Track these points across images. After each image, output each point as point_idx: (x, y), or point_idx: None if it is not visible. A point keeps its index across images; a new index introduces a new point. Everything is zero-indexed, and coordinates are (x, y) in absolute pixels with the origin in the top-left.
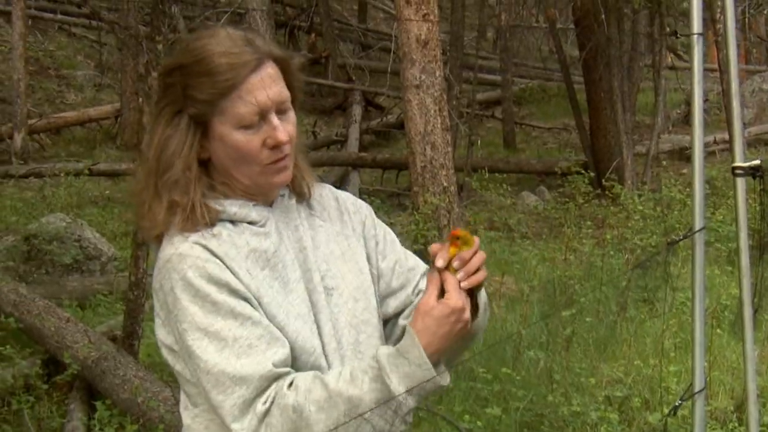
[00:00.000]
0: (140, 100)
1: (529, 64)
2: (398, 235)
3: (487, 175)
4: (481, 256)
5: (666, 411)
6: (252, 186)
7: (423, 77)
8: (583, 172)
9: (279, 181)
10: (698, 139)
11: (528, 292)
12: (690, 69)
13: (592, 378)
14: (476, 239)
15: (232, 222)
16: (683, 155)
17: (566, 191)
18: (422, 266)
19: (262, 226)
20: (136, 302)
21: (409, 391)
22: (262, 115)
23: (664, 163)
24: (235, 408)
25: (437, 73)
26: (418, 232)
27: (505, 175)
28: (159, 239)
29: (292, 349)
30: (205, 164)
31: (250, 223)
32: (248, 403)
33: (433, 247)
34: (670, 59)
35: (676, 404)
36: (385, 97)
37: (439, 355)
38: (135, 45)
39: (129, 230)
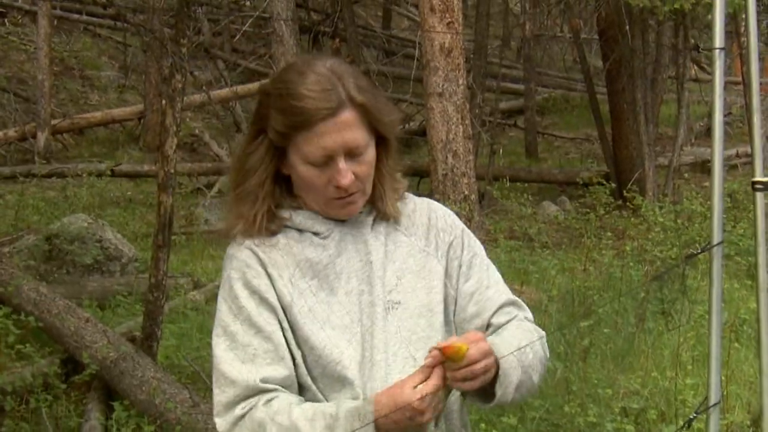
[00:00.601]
0: (163, 102)
1: (552, 74)
2: None
3: (508, 184)
4: (473, 369)
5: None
6: (327, 213)
7: (446, 85)
8: (604, 182)
9: (344, 214)
10: (718, 152)
11: (547, 302)
12: (712, 82)
13: (608, 389)
14: (471, 353)
15: (299, 230)
16: (705, 168)
17: (587, 202)
18: (501, 299)
19: (325, 237)
20: (155, 304)
21: None
22: (330, 158)
23: (686, 175)
24: (221, 404)
25: (460, 81)
26: None
27: (526, 185)
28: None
29: (319, 357)
30: (289, 178)
31: (314, 233)
32: (231, 405)
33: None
34: (693, 71)
35: (691, 417)
36: (408, 104)
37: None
38: (159, 48)
39: (150, 232)
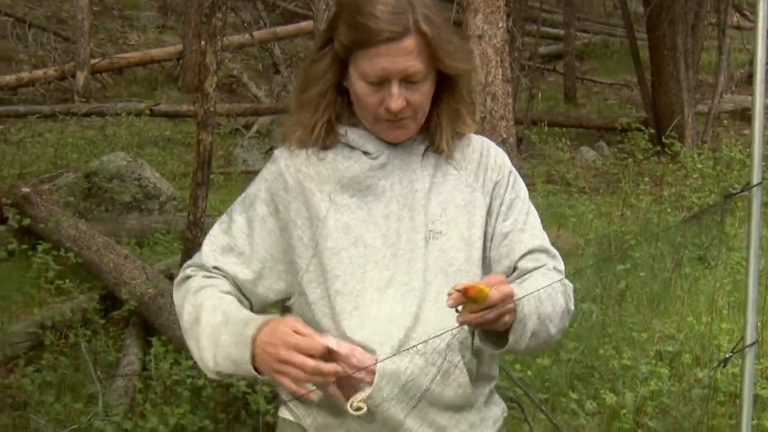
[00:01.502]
0: (202, 42)
1: (592, 19)
2: None
3: (546, 128)
4: (490, 316)
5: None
6: (375, 132)
7: (485, 27)
8: (643, 128)
9: (391, 137)
10: (759, 95)
11: (583, 246)
12: (754, 30)
13: (643, 333)
14: (492, 295)
15: (351, 147)
16: (745, 116)
17: (625, 147)
18: (533, 244)
19: (374, 158)
20: (193, 241)
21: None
22: (385, 79)
23: (725, 122)
24: (187, 263)
25: (500, 24)
26: None
27: (564, 130)
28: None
29: (344, 271)
30: (347, 91)
31: (365, 152)
32: (188, 267)
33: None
34: (735, 18)
35: (727, 356)
36: None
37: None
38: None
39: (188, 171)
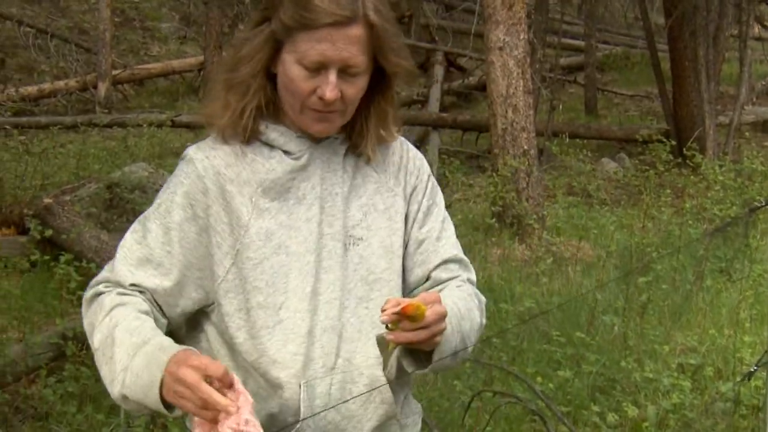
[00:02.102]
0: (223, 54)
1: (613, 31)
2: (476, 197)
3: (567, 140)
4: (423, 335)
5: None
6: (294, 120)
7: (507, 39)
8: (664, 140)
9: (315, 130)
10: None
11: (605, 258)
12: None
13: (665, 345)
14: (429, 314)
15: (270, 146)
16: (766, 127)
17: (646, 159)
18: (448, 254)
19: (297, 159)
20: None
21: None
22: (323, 66)
23: (747, 134)
24: (95, 278)
25: (521, 36)
26: (496, 195)
27: (585, 141)
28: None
29: (266, 284)
30: (274, 79)
31: (285, 151)
32: (99, 282)
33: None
34: (757, 30)
35: (751, 370)
36: (467, 58)
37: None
38: None
39: None
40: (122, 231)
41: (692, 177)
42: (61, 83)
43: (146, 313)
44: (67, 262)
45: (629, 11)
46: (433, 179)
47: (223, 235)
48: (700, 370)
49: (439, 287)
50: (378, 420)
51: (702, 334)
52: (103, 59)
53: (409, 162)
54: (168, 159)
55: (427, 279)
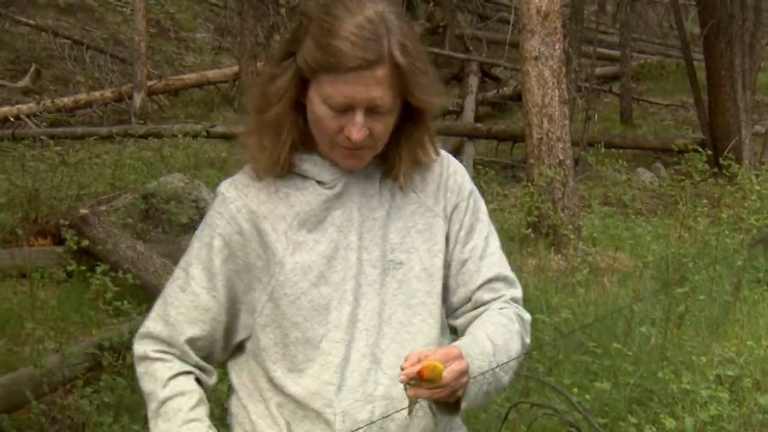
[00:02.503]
0: (259, 64)
1: (648, 40)
2: (511, 207)
3: (602, 150)
4: (444, 393)
5: None
6: (329, 157)
7: (542, 49)
8: (700, 150)
9: (346, 165)
10: None
11: (641, 268)
12: None
13: (703, 356)
14: (446, 376)
15: (303, 177)
16: None
17: (682, 169)
18: (491, 273)
19: (329, 188)
20: None
21: None
22: (349, 107)
23: None
24: (146, 330)
25: (557, 46)
26: (532, 205)
27: (620, 151)
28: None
29: (305, 319)
30: (305, 109)
31: (318, 182)
32: (152, 340)
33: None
34: None
35: None
36: (502, 68)
37: None
38: (260, 8)
39: None
40: (158, 242)
41: (728, 187)
42: (96, 94)
43: (199, 403)
44: (104, 272)
45: (664, 20)
46: (475, 194)
47: (263, 271)
48: (738, 382)
49: (481, 309)
50: None
51: (740, 345)
52: (139, 70)
53: (449, 179)
54: (203, 169)
55: (469, 300)
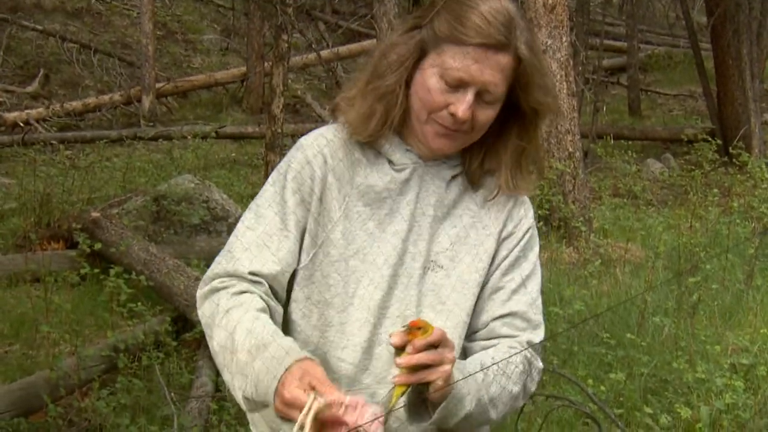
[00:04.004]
0: (267, 64)
1: (655, 31)
2: None
3: (612, 141)
4: (432, 355)
5: None
6: (418, 132)
7: (549, 42)
8: (709, 139)
9: (435, 144)
10: None
11: (653, 259)
12: None
13: (717, 345)
14: (437, 332)
15: (377, 152)
16: None
17: (692, 159)
18: (516, 308)
19: (399, 171)
20: None
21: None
22: (462, 84)
23: None
24: (212, 271)
25: (563, 39)
26: (543, 198)
27: (630, 142)
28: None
29: (338, 282)
30: (408, 86)
31: (389, 161)
32: (216, 277)
33: (393, 333)
34: None
35: None
36: None
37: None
38: (267, 8)
39: (254, 192)
40: (170, 243)
41: (739, 176)
42: (105, 97)
43: (263, 310)
44: (117, 275)
45: (671, 11)
46: (533, 234)
47: (317, 224)
48: (753, 370)
49: (494, 342)
50: None
51: (754, 333)
52: (147, 73)
53: (514, 208)
54: (213, 170)
55: (486, 326)
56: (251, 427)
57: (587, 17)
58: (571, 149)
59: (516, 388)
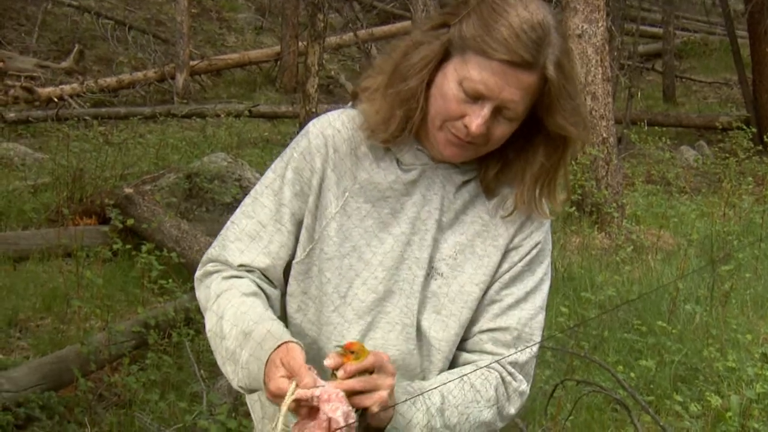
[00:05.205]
0: (302, 44)
1: (691, 17)
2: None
3: (646, 128)
4: (362, 382)
5: None
6: (429, 132)
7: (585, 27)
8: (744, 127)
9: (446, 153)
10: None
11: (686, 247)
12: None
13: (748, 334)
14: (370, 358)
15: (386, 149)
16: None
17: (726, 147)
18: (507, 324)
19: (406, 171)
20: None
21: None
22: (481, 97)
23: None
24: (207, 255)
25: (600, 24)
26: (575, 183)
27: (664, 129)
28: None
29: (332, 279)
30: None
31: (398, 159)
32: (210, 261)
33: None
34: None
35: None
36: None
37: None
38: None
39: None
40: (202, 221)
41: None
42: (139, 74)
43: (253, 294)
44: (149, 251)
45: None
46: (543, 249)
47: (312, 217)
48: None
49: (474, 357)
50: None
51: None
52: (181, 50)
53: (527, 220)
54: (246, 149)
55: (473, 337)
56: (250, 410)
57: (624, 2)
58: (605, 134)
59: (487, 413)
